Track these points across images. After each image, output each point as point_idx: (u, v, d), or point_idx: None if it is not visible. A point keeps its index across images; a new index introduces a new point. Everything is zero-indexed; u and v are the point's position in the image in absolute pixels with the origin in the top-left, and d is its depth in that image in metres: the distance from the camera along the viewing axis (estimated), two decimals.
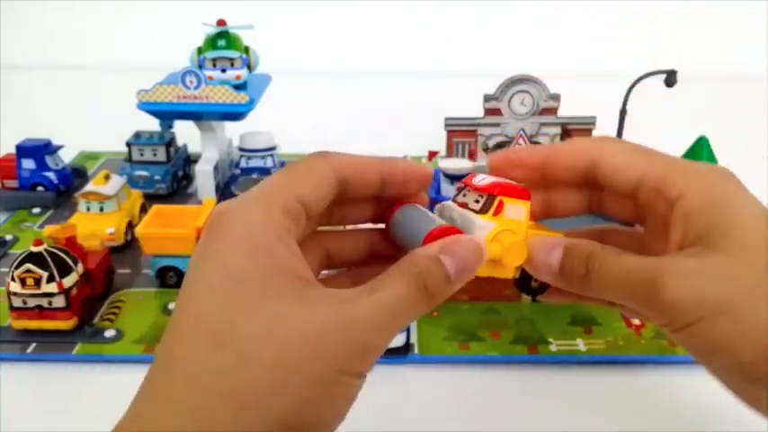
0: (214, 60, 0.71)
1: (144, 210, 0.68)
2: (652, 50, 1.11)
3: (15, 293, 0.51)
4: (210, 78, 0.69)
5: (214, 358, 0.23)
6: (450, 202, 0.31)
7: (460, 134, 0.69)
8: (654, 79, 0.63)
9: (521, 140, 0.61)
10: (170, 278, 0.58)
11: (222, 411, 0.23)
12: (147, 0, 1.27)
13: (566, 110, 0.68)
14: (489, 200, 0.29)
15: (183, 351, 0.24)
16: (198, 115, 0.70)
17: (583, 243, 0.30)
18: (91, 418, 0.46)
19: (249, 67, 0.73)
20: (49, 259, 0.51)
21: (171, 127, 0.78)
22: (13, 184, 0.74)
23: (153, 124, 0.76)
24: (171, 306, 0.57)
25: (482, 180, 0.30)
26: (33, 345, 0.51)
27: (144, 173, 0.75)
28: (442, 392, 0.48)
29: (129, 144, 0.76)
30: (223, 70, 0.71)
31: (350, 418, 0.26)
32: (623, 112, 0.66)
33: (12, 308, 0.51)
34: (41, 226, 0.69)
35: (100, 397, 0.48)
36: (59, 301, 0.51)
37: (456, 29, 1.29)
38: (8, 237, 0.67)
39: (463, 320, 0.54)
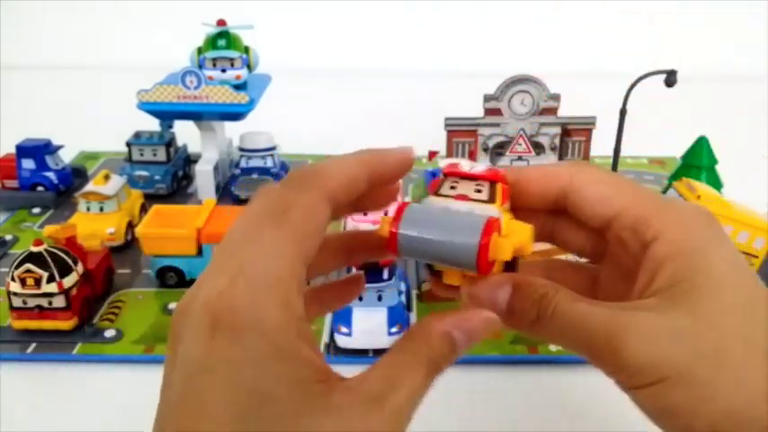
0: (214, 60, 0.71)
1: (144, 210, 0.68)
2: (652, 50, 1.11)
3: (15, 293, 0.51)
4: (210, 78, 0.69)
5: None
6: (432, 197, 0.28)
7: (460, 134, 0.69)
8: (654, 79, 0.63)
9: (521, 140, 0.61)
10: (170, 278, 0.58)
11: None
12: (147, 0, 1.27)
13: (566, 110, 0.68)
14: (493, 187, 0.27)
15: None
16: (198, 115, 0.71)
17: (535, 283, 0.27)
18: (91, 418, 0.46)
19: (249, 67, 0.73)
20: (49, 259, 0.51)
21: (171, 127, 0.78)
22: (13, 184, 0.74)
23: (153, 124, 0.76)
24: (171, 306, 0.57)
25: (473, 168, 0.28)
26: (33, 345, 0.51)
27: (144, 173, 0.75)
28: (441, 392, 0.48)
29: (129, 144, 0.77)
30: (223, 70, 0.71)
31: None
32: (623, 112, 0.66)
33: (12, 308, 0.51)
34: (41, 226, 0.69)
35: (100, 397, 0.48)
36: (59, 301, 0.51)
37: (456, 29, 1.29)
38: (8, 237, 0.67)
39: None
